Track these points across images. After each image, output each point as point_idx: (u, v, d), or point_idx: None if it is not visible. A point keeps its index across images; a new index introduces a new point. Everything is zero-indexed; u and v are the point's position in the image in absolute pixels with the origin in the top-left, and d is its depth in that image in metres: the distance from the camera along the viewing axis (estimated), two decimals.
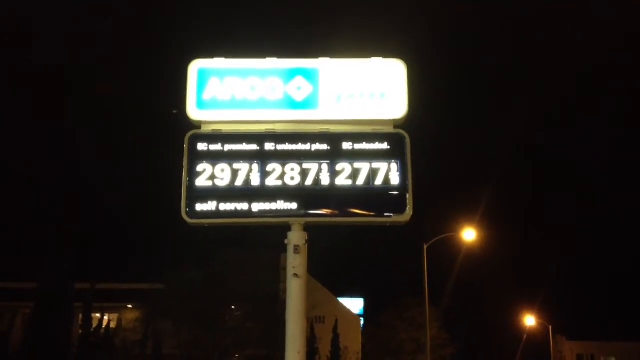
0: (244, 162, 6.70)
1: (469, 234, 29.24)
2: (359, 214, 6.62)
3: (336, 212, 6.63)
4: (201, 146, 6.78)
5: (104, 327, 32.08)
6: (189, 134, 6.84)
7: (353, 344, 36.53)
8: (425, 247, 28.49)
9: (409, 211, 6.58)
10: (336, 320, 32.53)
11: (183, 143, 6.81)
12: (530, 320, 73.68)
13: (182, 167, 6.73)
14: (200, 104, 6.87)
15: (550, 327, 68.64)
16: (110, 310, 34.75)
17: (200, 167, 6.70)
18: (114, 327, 33.59)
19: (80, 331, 29.94)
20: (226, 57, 7.02)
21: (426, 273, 28.10)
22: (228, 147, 6.78)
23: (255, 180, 6.65)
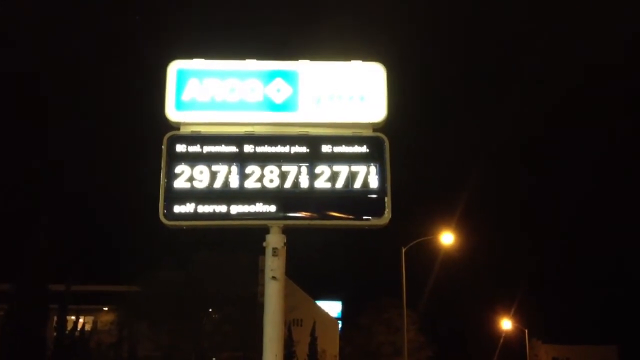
0: (222, 164, 6.68)
1: (447, 238, 29.44)
2: (338, 217, 6.64)
3: (315, 215, 6.64)
4: (180, 147, 6.74)
5: (79, 329, 31.67)
6: (167, 135, 6.79)
7: (331, 347, 36.56)
8: (403, 250, 28.62)
9: (387, 214, 6.61)
10: (314, 323, 32.53)
11: (161, 144, 6.76)
12: (506, 324, 74.41)
13: (160, 168, 6.69)
14: (179, 105, 6.83)
15: (527, 331, 69.28)
16: (85, 313, 34.30)
17: (178, 169, 6.66)
18: (89, 329, 33.19)
19: (55, 333, 29.52)
20: (206, 58, 7.00)
21: (404, 276, 28.23)
22: (207, 148, 6.75)
23: (234, 183, 6.63)
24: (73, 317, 32.46)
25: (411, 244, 28.75)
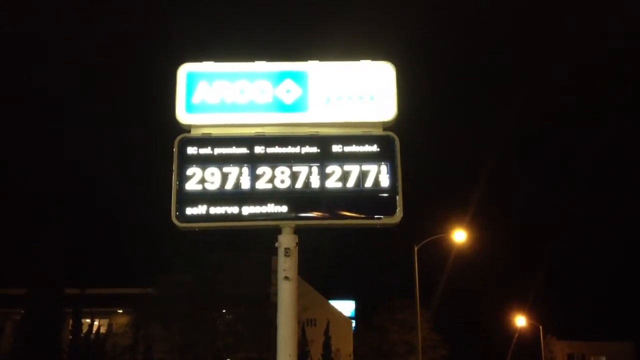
0: (233, 166, 6.70)
1: (460, 235, 29.35)
2: (349, 216, 6.64)
3: (326, 214, 6.64)
4: (191, 150, 6.78)
5: (94, 332, 31.88)
6: (178, 138, 6.83)
7: (345, 346, 36.55)
8: (415, 248, 28.56)
9: (399, 213, 6.60)
10: (327, 323, 32.53)
11: (173, 147, 6.81)
12: (521, 321, 74.01)
13: (172, 171, 6.73)
14: (190, 108, 6.87)
15: (541, 327, 68.87)
16: (100, 316, 34.53)
17: (190, 171, 6.69)
18: (104, 332, 33.41)
19: (70, 337, 29.73)
20: (215, 61, 7.03)
21: (417, 275, 28.16)
22: (218, 150, 6.78)
23: (246, 184, 6.65)
24: (88, 320, 32.72)
25: (424, 242, 28.69)
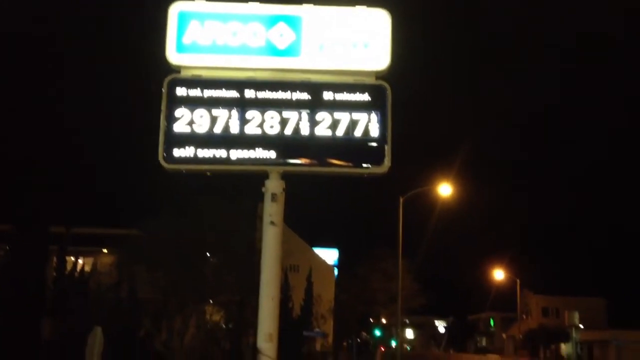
0: (223, 109, 6.65)
1: (445, 189, 29.59)
2: (338, 164, 6.65)
3: (314, 161, 6.65)
4: (180, 91, 6.70)
5: (78, 270, 32.11)
6: (168, 79, 6.75)
7: (326, 292, 37.21)
8: (401, 199, 28.80)
9: (387, 163, 6.62)
10: (310, 270, 33.00)
11: (162, 87, 6.72)
12: (499, 274, 75.69)
13: (161, 111, 6.67)
14: (180, 48, 6.75)
15: (518, 281, 70.51)
16: (85, 255, 34.72)
17: (178, 113, 6.64)
18: (88, 271, 33.63)
19: (55, 274, 29.93)
20: (208, 0, 6.88)
21: (401, 225, 28.50)
22: (208, 93, 6.71)
23: (235, 128, 6.62)
24: (72, 258, 32.87)
25: (409, 193, 28.92)
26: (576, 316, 75.62)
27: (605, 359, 58.97)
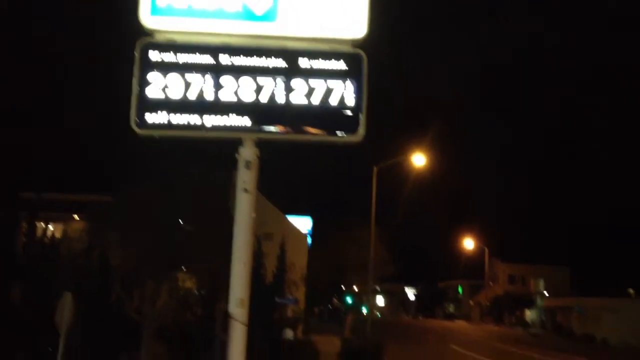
0: (197, 74, 6.57)
1: (419, 159, 29.87)
2: (312, 133, 6.65)
3: (289, 129, 6.64)
4: (153, 55, 6.59)
5: (49, 236, 31.76)
6: (141, 42, 6.62)
7: (300, 260, 37.46)
8: (375, 169, 28.97)
9: (361, 131, 6.64)
10: (284, 238, 33.11)
11: (135, 51, 6.60)
12: (469, 243, 76.98)
13: (133, 76, 6.56)
14: (155, 10, 6.61)
15: (487, 250, 71.86)
16: (55, 220, 34.31)
17: (151, 77, 6.54)
18: (59, 237, 33.28)
19: (24, 239, 29.57)
20: None
21: (374, 194, 28.73)
22: (182, 57, 6.61)
23: (209, 94, 6.55)
24: (43, 224, 32.46)
25: (383, 163, 29.09)
26: (541, 284, 77.76)
27: (567, 324, 60.84)
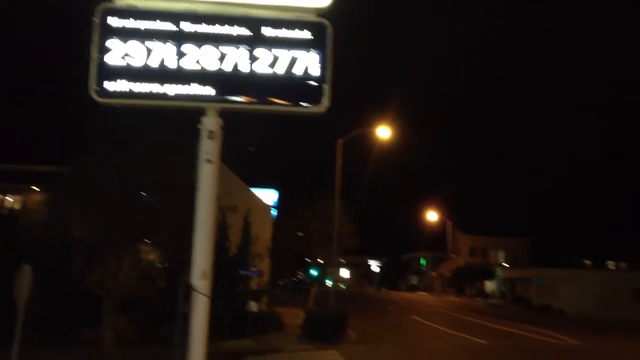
0: (159, 42, 6.41)
1: (383, 131, 29.99)
2: (276, 103, 6.58)
3: (253, 99, 6.56)
4: (113, 21, 6.40)
5: (6, 208, 31.05)
6: (100, 7, 6.42)
7: (264, 232, 37.46)
8: (340, 142, 28.99)
9: (325, 102, 6.60)
10: (248, 210, 33.01)
11: (94, 17, 6.39)
12: (432, 216, 78.10)
13: (92, 42, 6.36)
14: None
15: (449, 223, 72.97)
16: (13, 192, 33.51)
17: (111, 44, 6.36)
18: (17, 209, 32.55)
19: None
20: None
21: (340, 167, 28.80)
22: (143, 24, 6.43)
23: (171, 62, 6.41)
24: (0, 196, 31.73)
25: (348, 135, 29.12)
26: (501, 255, 79.62)
27: (526, 294, 62.55)
